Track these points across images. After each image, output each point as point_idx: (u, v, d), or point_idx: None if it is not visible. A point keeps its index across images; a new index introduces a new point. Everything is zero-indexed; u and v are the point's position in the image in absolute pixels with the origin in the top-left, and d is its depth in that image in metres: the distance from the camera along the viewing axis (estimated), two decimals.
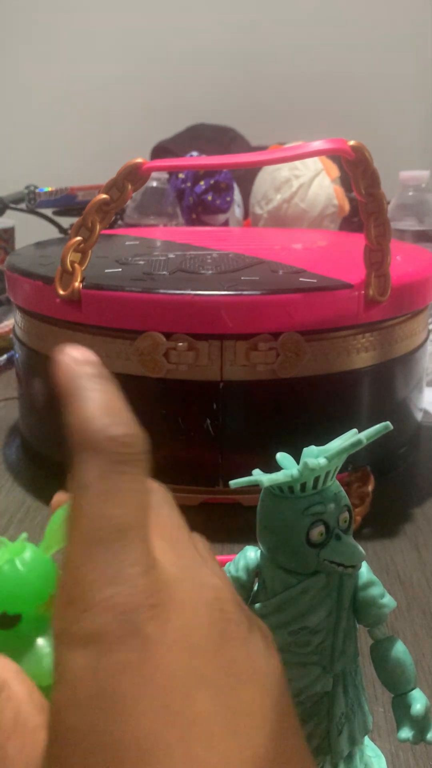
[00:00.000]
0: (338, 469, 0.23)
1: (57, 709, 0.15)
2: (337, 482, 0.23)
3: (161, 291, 0.45)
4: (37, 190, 0.99)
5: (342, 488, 0.23)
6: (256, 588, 0.24)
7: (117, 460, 0.17)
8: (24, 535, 0.21)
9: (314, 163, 0.97)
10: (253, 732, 0.16)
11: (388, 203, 0.83)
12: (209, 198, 1.01)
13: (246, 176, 1.09)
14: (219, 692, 0.16)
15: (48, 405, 0.54)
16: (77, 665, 0.15)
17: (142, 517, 0.17)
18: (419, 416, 0.59)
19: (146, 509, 0.17)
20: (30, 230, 1.02)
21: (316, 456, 0.22)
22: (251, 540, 0.24)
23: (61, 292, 0.47)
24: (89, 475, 0.16)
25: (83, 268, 0.47)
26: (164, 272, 0.50)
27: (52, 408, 0.54)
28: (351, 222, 1.01)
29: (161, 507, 0.20)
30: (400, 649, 0.24)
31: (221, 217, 1.03)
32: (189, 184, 1.01)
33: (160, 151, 1.19)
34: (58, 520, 0.21)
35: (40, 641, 0.19)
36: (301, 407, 0.48)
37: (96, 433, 0.17)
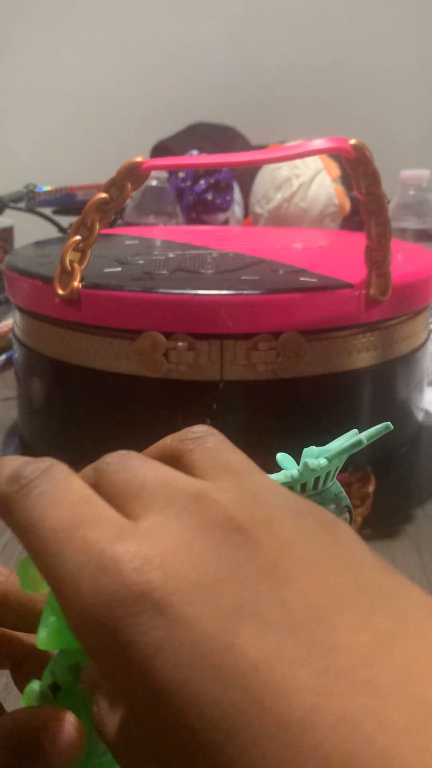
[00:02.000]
0: (339, 470, 0.23)
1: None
2: (338, 483, 0.23)
3: (161, 290, 0.45)
4: (36, 189, 0.99)
5: (342, 489, 0.23)
6: None
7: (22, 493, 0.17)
8: None
9: (315, 162, 0.97)
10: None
11: (389, 202, 0.83)
12: (209, 197, 1.01)
13: (246, 175, 1.08)
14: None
15: (47, 405, 0.53)
16: None
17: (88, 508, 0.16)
18: (420, 416, 0.59)
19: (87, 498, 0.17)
20: (29, 229, 1.02)
21: (316, 456, 0.22)
22: None
23: (61, 292, 0.47)
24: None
25: (83, 267, 0.47)
26: (164, 272, 0.50)
27: (52, 408, 0.53)
28: (352, 221, 1.01)
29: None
30: None
31: (221, 217, 1.03)
32: (189, 183, 1.01)
33: (160, 150, 1.19)
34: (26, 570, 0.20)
35: None
36: (301, 407, 0.48)
37: None
